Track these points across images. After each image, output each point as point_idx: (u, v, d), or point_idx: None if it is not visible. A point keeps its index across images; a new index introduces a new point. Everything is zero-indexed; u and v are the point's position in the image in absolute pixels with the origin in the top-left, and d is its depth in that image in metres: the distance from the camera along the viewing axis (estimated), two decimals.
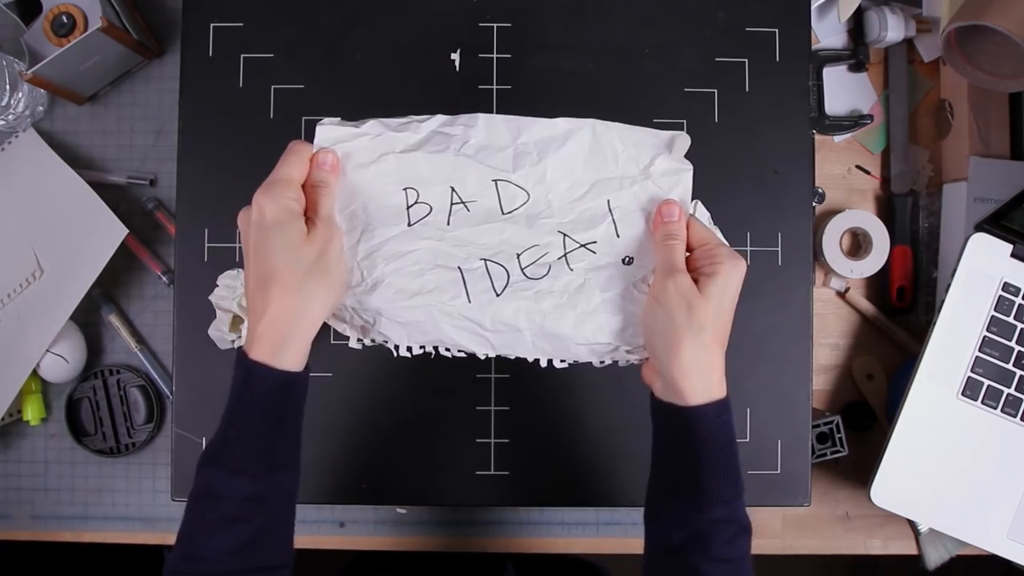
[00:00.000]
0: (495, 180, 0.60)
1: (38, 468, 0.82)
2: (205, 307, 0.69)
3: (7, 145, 0.80)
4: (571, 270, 0.60)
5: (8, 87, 0.78)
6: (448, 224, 0.60)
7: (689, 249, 0.58)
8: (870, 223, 0.82)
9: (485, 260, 0.60)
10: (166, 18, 0.83)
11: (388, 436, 0.72)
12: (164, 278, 0.81)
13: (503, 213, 0.61)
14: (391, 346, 0.62)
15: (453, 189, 0.60)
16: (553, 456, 0.73)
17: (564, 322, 0.60)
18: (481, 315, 0.60)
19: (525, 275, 0.60)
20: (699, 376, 0.54)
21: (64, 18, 0.75)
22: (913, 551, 0.83)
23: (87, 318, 0.81)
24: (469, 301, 0.60)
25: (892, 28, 0.81)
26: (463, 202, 0.60)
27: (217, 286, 0.69)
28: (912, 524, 0.83)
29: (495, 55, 0.74)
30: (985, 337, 0.75)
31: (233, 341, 0.70)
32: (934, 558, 0.82)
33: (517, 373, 0.72)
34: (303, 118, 0.73)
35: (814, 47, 0.83)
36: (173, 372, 0.72)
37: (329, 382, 0.72)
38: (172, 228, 0.81)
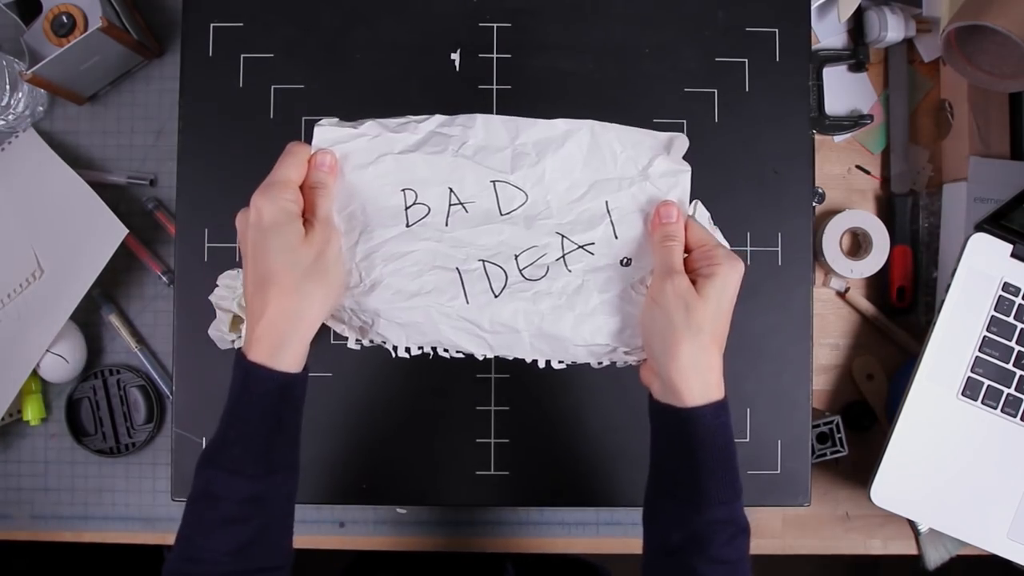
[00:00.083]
0: (493, 181, 0.60)
1: (38, 468, 0.82)
2: (205, 307, 0.69)
3: (7, 145, 0.80)
4: (569, 271, 0.60)
5: (8, 87, 0.78)
6: (446, 225, 0.60)
7: (687, 250, 0.58)
8: (870, 223, 0.82)
9: (483, 261, 0.60)
10: (166, 18, 0.83)
11: (388, 436, 0.72)
12: (164, 278, 0.82)
13: (501, 214, 0.61)
14: (389, 347, 0.62)
15: (451, 190, 0.60)
16: (553, 456, 0.73)
17: (562, 323, 0.60)
18: (479, 316, 0.60)
19: (523, 276, 0.60)
20: (697, 377, 0.54)
21: (64, 18, 0.75)
22: (913, 551, 0.83)
23: (87, 318, 0.82)
24: (467, 302, 0.60)
25: (892, 28, 0.81)
26: (461, 203, 0.60)
27: (217, 286, 0.69)
28: (912, 524, 0.83)
29: (495, 55, 0.74)
30: (985, 337, 0.75)
31: (233, 341, 0.70)
32: (934, 558, 0.82)
33: (517, 373, 0.72)
34: (303, 118, 0.73)
35: (814, 47, 0.83)
36: (173, 372, 0.72)
37: (329, 382, 0.72)
38: (172, 228, 0.81)
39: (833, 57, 0.83)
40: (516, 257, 0.60)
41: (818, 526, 0.83)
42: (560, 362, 0.62)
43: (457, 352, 0.63)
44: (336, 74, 0.73)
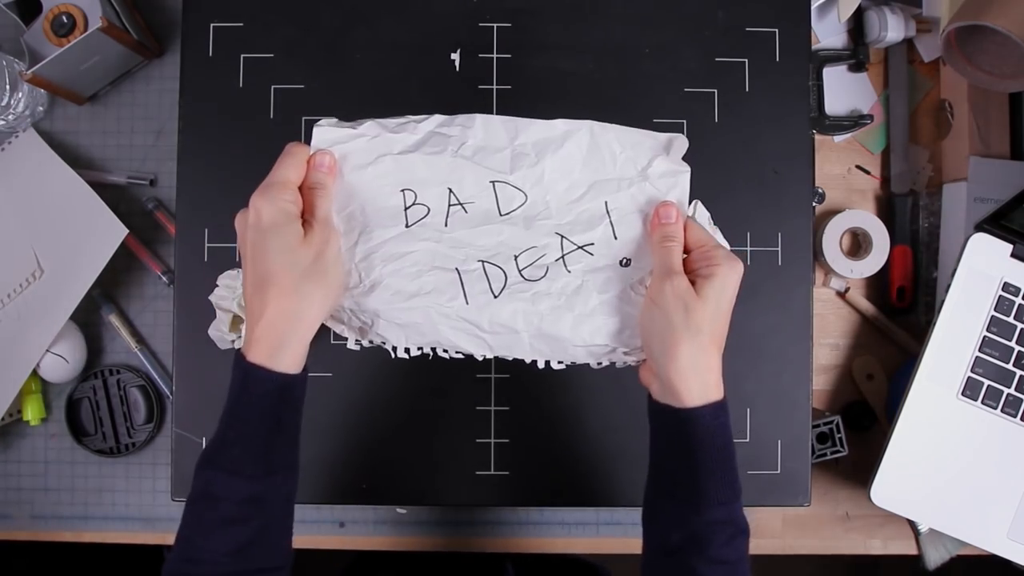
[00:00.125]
0: (493, 181, 0.60)
1: (38, 468, 0.82)
2: (205, 307, 0.69)
3: (7, 145, 0.80)
4: (569, 272, 0.60)
5: (8, 87, 0.78)
6: (446, 225, 0.60)
7: (686, 251, 0.58)
8: (870, 223, 0.82)
9: (483, 262, 0.60)
10: (166, 18, 0.83)
11: (388, 436, 0.72)
12: (164, 278, 0.82)
13: (501, 214, 0.60)
14: (389, 347, 0.62)
15: (451, 190, 0.60)
16: (553, 456, 0.73)
17: (562, 324, 0.60)
18: (479, 316, 0.60)
19: (523, 277, 0.60)
20: (696, 378, 0.54)
21: (64, 18, 0.75)
22: (913, 551, 0.83)
23: (87, 318, 0.82)
24: (467, 303, 0.60)
25: (892, 28, 0.81)
26: (461, 203, 0.60)
27: (217, 286, 0.69)
28: (912, 524, 0.83)
29: (495, 55, 0.74)
30: (985, 337, 0.75)
31: (233, 341, 0.70)
32: (934, 558, 0.82)
33: (517, 373, 0.72)
34: (303, 118, 0.73)
35: (814, 47, 0.83)
36: (173, 372, 0.72)
37: (328, 382, 0.72)
38: (172, 228, 0.81)
39: (833, 57, 0.83)
40: (515, 258, 0.60)
41: (818, 526, 0.83)
42: (559, 362, 0.62)
43: (457, 352, 0.63)
44: (336, 74, 0.73)
